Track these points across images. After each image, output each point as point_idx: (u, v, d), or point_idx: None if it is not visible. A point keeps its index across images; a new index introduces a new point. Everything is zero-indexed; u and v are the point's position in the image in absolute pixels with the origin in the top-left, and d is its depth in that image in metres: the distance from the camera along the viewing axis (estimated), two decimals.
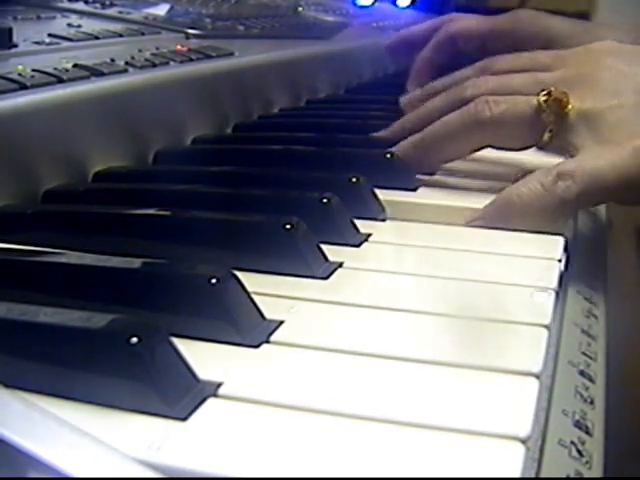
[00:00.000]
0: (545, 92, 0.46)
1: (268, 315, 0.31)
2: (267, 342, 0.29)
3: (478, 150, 0.50)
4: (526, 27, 0.77)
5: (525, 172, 0.46)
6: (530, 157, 0.52)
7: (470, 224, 0.43)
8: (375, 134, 0.57)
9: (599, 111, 0.45)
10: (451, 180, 0.51)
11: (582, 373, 0.32)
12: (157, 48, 0.61)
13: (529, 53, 0.56)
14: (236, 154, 0.55)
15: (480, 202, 0.44)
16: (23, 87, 0.44)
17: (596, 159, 0.42)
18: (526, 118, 0.47)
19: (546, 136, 0.46)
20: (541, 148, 0.49)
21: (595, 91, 0.46)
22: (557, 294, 0.34)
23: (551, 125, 0.46)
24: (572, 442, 0.27)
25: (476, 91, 0.50)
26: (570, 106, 0.46)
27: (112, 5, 0.75)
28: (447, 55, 0.82)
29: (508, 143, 0.49)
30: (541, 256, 0.38)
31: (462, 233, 0.42)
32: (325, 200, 0.40)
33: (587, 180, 0.41)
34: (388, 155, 0.50)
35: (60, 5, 0.73)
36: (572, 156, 0.45)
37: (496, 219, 0.43)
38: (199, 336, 0.29)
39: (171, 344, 0.25)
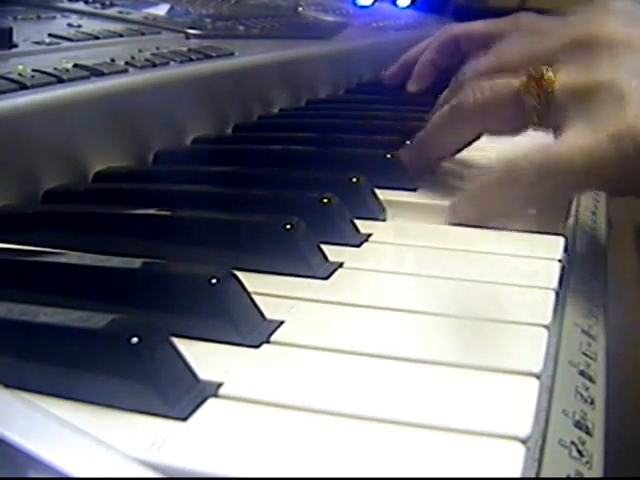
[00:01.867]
0: (526, 73, 0.44)
1: (268, 315, 0.31)
2: (267, 342, 0.29)
3: (476, 139, 0.50)
4: (527, 30, 0.76)
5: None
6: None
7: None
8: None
9: (587, 87, 0.42)
10: (451, 180, 0.51)
11: (582, 373, 0.32)
12: (157, 48, 0.61)
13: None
14: (236, 154, 0.55)
15: None
16: (23, 87, 0.44)
17: (568, 143, 0.40)
18: (507, 101, 0.45)
19: (533, 117, 0.45)
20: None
21: (588, 63, 0.43)
22: (557, 294, 0.34)
23: (535, 105, 0.44)
24: (572, 442, 0.27)
25: (469, 73, 0.51)
26: (556, 83, 0.43)
27: (112, 5, 0.75)
28: (449, 57, 0.82)
29: (499, 127, 0.48)
30: (541, 256, 0.38)
31: (462, 233, 0.42)
32: (325, 200, 0.40)
33: (545, 162, 0.40)
34: (388, 155, 0.50)
35: (60, 5, 0.73)
36: (560, 135, 0.43)
37: (466, 215, 0.43)
38: (199, 336, 0.29)
39: (171, 344, 0.25)
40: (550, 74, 0.43)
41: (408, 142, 0.52)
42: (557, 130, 0.43)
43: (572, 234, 0.44)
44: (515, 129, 0.48)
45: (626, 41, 0.43)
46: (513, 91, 0.45)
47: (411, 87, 0.82)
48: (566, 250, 0.40)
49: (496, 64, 0.50)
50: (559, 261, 0.38)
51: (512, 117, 0.46)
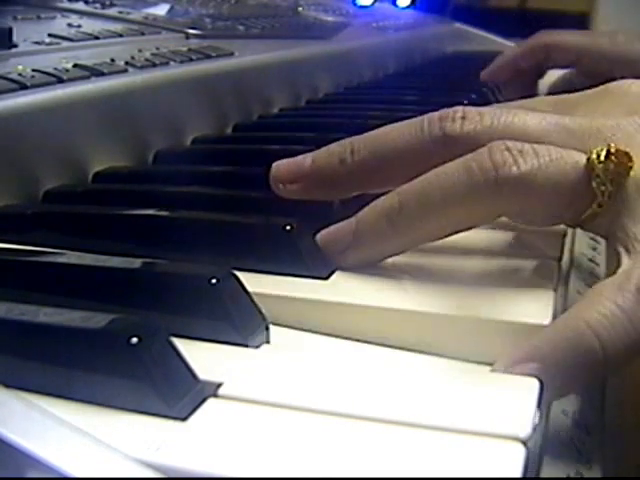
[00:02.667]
0: (603, 148, 0.31)
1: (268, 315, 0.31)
2: (267, 342, 0.29)
3: (469, 229, 0.35)
4: (626, 50, 0.74)
5: None
6: None
7: (516, 370, 0.28)
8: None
9: None
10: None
11: None
12: (157, 48, 0.61)
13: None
14: (236, 154, 0.55)
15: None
16: (23, 87, 0.44)
17: None
18: (570, 184, 0.31)
19: (588, 213, 0.32)
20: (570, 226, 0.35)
21: None
22: (556, 292, 0.34)
23: (602, 198, 0.31)
24: (572, 442, 0.27)
25: (469, 127, 0.34)
26: (632, 172, 0.31)
27: (112, 5, 0.75)
28: (534, 63, 0.81)
29: (527, 219, 0.34)
30: (542, 255, 0.38)
31: (462, 234, 0.42)
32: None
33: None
34: None
35: (60, 5, 0.73)
36: (624, 247, 0.31)
37: (554, 365, 0.27)
38: (199, 336, 0.29)
39: (171, 344, 0.25)
40: (624, 152, 0.31)
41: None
42: (622, 236, 0.31)
43: (572, 233, 0.44)
44: (543, 224, 0.34)
45: None
46: (579, 169, 0.31)
47: (484, 76, 0.80)
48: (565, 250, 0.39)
49: (530, 123, 0.34)
50: (559, 260, 0.37)
51: (562, 208, 0.32)
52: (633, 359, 0.28)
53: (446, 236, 0.34)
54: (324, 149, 0.38)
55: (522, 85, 0.80)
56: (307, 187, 0.38)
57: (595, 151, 0.31)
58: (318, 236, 0.36)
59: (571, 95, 0.38)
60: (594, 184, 0.31)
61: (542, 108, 0.37)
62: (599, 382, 0.32)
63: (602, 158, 0.31)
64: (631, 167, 0.31)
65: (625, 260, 0.31)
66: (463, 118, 0.35)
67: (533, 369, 0.27)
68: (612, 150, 0.31)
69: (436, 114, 0.36)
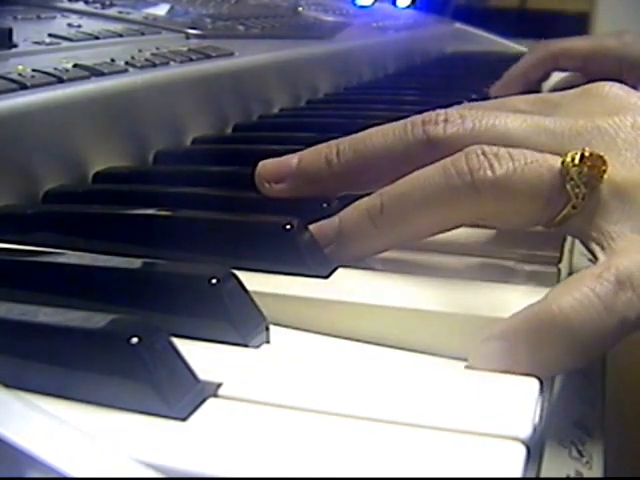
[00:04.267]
0: (577, 151, 0.32)
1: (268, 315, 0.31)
2: (267, 342, 0.29)
3: (448, 231, 0.35)
4: (634, 50, 0.74)
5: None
6: None
7: (485, 346, 0.29)
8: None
9: (634, 185, 0.32)
10: None
11: (582, 373, 0.32)
12: (157, 48, 0.61)
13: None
14: (236, 154, 0.55)
15: None
16: (23, 87, 0.44)
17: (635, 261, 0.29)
18: (544, 187, 0.32)
19: (563, 214, 0.32)
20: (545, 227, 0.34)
21: (624, 155, 0.33)
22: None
23: (576, 200, 0.32)
24: (572, 442, 0.27)
25: (451, 130, 0.35)
26: (608, 173, 0.32)
27: (112, 5, 0.75)
28: (543, 73, 0.81)
29: (503, 222, 0.35)
30: (542, 256, 0.38)
31: (463, 234, 0.42)
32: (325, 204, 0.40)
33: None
34: None
35: (60, 5, 0.73)
36: (599, 245, 0.32)
37: (524, 342, 0.28)
38: (199, 336, 0.29)
39: (171, 344, 0.25)
40: (598, 155, 0.32)
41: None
42: (596, 236, 0.32)
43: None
44: (521, 225, 0.35)
45: None
46: (556, 173, 0.32)
47: (493, 91, 0.80)
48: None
49: (510, 125, 0.35)
50: (559, 262, 0.37)
51: (537, 210, 0.33)
52: (612, 346, 0.29)
53: (430, 235, 0.35)
54: (311, 149, 0.39)
55: (527, 87, 0.80)
56: (293, 186, 0.39)
57: (570, 155, 0.32)
58: None
59: (552, 95, 0.39)
60: (568, 187, 0.32)
61: (523, 107, 0.38)
62: (599, 382, 0.32)
63: (577, 161, 0.32)
64: (604, 170, 0.32)
65: (601, 256, 0.31)
66: (445, 121, 0.36)
67: (503, 346, 0.28)
68: (586, 154, 0.32)
69: (419, 117, 0.36)
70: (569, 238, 0.42)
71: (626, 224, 0.31)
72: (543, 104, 0.38)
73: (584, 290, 0.28)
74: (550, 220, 0.33)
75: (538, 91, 0.82)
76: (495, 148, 0.33)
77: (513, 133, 0.35)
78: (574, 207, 0.32)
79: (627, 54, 0.73)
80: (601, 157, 0.32)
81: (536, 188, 0.32)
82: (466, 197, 0.33)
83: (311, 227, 0.36)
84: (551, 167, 0.32)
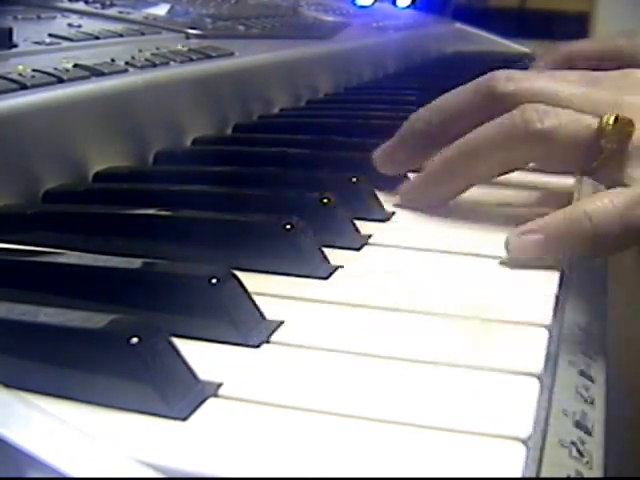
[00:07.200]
0: (611, 115, 0.39)
1: (268, 315, 0.31)
2: (267, 342, 0.29)
3: (509, 172, 0.44)
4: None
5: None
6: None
7: (522, 239, 0.37)
8: (377, 153, 0.48)
9: None
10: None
11: (582, 373, 0.32)
12: (157, 48, 0.61)
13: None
14: (236, 155, 0.55)
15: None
16: (23, 87, 0.44)
17: None
18: (582, 140, 0.39)
19: (596, 163, 0.40)
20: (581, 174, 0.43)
21: None
22: (557, 298, 0.34)
23: (608, 152, 0.39)
24: (572, 442, 0.27)
25: (512, 87, 0.43)
26: (634, 135, 0.39)
27: (112, 5, 0.75)
28: None
29: (549, 165, 0.44)
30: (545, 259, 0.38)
31: (463, 235, 0.42)
32: (325, 200, 0.40)
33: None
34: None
35: (60, 5, 0.73)
36: (625, 187, 0.39)
37: (555, 235, 0.37)
38: (199, 336, 0.29)
39: (171, 344, 0.25)
40: (628, 120, 0.39)
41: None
42: (621, 180, 0.39)
43: None
44: (562, 170, 0.44)
45: None
46: (591, 130, 0.39)
47: None
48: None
49: (559, 90, 0.43)
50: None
51: (576, 158, 0.40)
52: (620, 250, 0.38)
53: (493, 177, 0.44)
54: (407, 122, 0.48)
55: None
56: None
57: (606, 117, 0.39)
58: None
59: (597, 72, 0.46)
60: (602, 142, 0.39)
61: (572, 79, 0.45)
62: (599, 381, 0.32)
63: (610, 122, 0.39)
64: (631, 132, 0.39)
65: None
66: (508, 79, 0.44)
67: (539, 239, 0.37)
68: (619, 118, 0.39)
69: (486, 76, 0.45)
70: None
71: None
72: (589, 77, 0.45)
73: (605, 200, 0.36)
74: (585, 168, 0.40)
75: None
76: (546, 106, 0.40)
77: (562, 96, 0.42)
78: (606, 158, 0.39)
79: (638, 53, 0.74)
80: (630, 121, 0.39)
81: (576, 140, 0.39)
82: (521, 143, 0.41)
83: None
84: (589, 125, 0.39)
